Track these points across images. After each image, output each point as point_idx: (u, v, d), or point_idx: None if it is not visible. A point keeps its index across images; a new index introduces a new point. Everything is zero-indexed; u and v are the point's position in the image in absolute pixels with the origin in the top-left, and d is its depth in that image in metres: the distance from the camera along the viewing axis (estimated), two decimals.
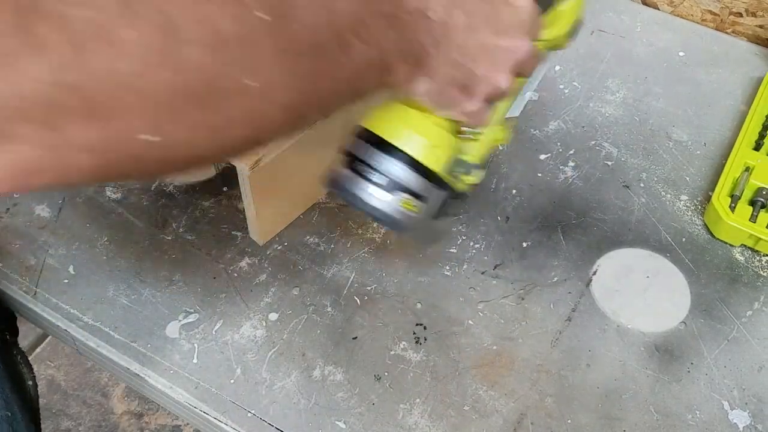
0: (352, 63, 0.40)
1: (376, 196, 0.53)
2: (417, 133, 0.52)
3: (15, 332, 0.81)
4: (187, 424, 1.59)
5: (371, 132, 0.53)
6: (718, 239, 0.79)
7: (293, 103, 0.37)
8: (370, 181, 0.53)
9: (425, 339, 0.71)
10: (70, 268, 0.76)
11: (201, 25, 0.30)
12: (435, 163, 0.53)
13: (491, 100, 0.51)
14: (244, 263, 0.76)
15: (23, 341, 1.71)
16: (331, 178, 0.55)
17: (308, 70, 0.37)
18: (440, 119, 0.53)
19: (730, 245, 0.79)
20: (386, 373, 0.69)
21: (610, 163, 0.87)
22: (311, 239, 0.78)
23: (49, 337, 1.70)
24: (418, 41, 0.44)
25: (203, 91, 0.31)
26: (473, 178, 0.57)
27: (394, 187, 0.52)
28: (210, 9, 0.30)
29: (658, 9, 1.05)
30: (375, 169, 0.52)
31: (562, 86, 0.94)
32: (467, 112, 0.51)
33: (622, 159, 0.87)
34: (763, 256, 0.78)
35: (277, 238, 0.78)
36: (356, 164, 0.53)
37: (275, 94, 0.35)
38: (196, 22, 0.30)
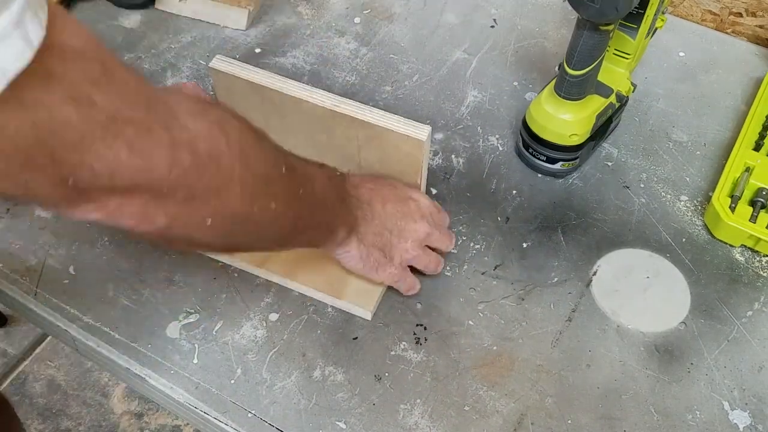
0: (317, 223, 0.61)
1: None
2: None
3: None
4: (187, 424, 1.59)
5: None
6: (718, 239, 0.79)
7: (280, 239, 0.60)
8: None
9: (425, 339, 0.71)
10: (71, 269, 0.76)
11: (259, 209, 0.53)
12: None
13: (404, 264, 0.70)
14: None
15: (23, 341, 1.72)
16: None
17: (293, 228, 0.59)
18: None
19: (730, 245, 0.79)
20: (386, 374, 0.69)
21: (610, 163, 0.87)
22: None
23: (49, 337, 1.71)
24: (353, 215, 0.64)
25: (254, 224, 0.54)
26: None
27: None
28: (263, 202, 0.53)
29: None
30: None
31: None
32: (387, 274, 0.69)
33: (622, 159, 0.87)
34: (763, 256, 0.78)
35: None
36: None
37: (273, 233, 0.58)
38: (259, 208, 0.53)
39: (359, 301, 0.72)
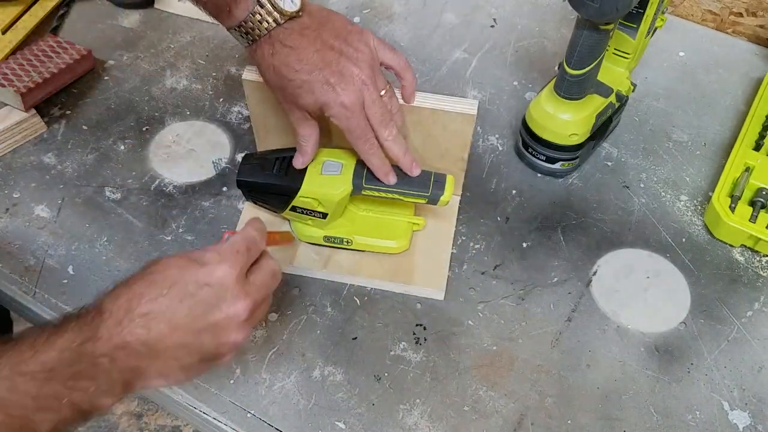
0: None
1: None
2: None
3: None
4: (187, 424, 1.59)
5: None
6: (718, 239, 0.79)
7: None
8: None
9: (425, 339, 0.71)
10: (70, 269, 0.76)
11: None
12: None
13: (237, 350, 0.55)
14: None
15: None
16: None
17: None
18: None
19: (730, 245, 0.79)
20: (386, 374, 0.69)
21: (610, 163, 0.87)
22: None
23: None
24: (126, 369, 0.50)
25: None
26: None
27: None
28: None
29: None
30: None
31: None
32: (224, 361, 0.55)
33: (622, 159, 0.87)
34: (763, 256, 0.78)
35: None
36: None
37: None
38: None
39: (430, 283, 0.74)
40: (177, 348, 0.51)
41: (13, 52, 0.93)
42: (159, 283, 0.52)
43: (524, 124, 0.82)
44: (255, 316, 0.55)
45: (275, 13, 0.61)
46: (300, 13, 0.63)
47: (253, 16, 0.61)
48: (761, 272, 0.77)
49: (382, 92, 0.65)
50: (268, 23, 0.61)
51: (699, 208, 0.82)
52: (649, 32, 0.78)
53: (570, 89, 0.75)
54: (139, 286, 0.52)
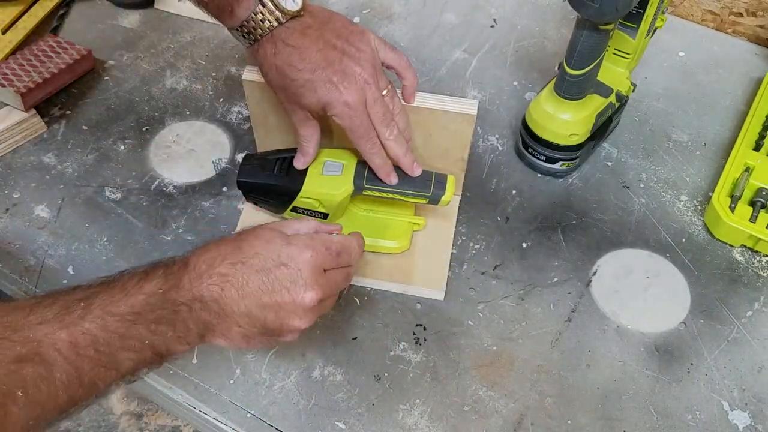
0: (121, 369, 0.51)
1: None
2: None
3: None
4: (187, 424, 1.59)
5: None
6: (718, 239, 0.79)
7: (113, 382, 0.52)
8: None
9: (425, 339, 0.71)
10: (70, 269, 0.76)
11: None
12: None
13: (294, 334, 0.58)
14: None
15: None
16: None
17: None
18: None
19: (730, 245, 0.79)
20: (386, 374, 0.69)
21: (610, 163, 0.87)
22: None
23: None
24: (200, 321, 0.54)
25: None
26: None
27: None
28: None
29: None
30: None
31: None
32: (287, 339, 0.58)
33: (622, 159, 0.87)
34: (763, 256, 0.78)
35: None
36: None
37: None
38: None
39: (430, 284, 0.74)
40: (242, 315, 0.54)
41: (13, 52, 0.93)
42: (244, 250, 0.56)
43: (524, 124, 0.82)
44: (321, 307, 0.58)
45: (277, 12, 0.61)
46: (301, 13, 0.63)
47: (255, 15, 0.61)
48: (761, 272, 0.77)
49: (384, 92, 0.65)
50: (270, 22, 0.61)
51: (699, 208, 0.82)
52: (649, 32, 0.78)
53: (570, 89, 0.75)
54: (226, 247, 0.56)
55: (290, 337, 0.58)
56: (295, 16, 0.62)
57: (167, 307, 0.52)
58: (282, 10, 0.61)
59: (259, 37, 0.63)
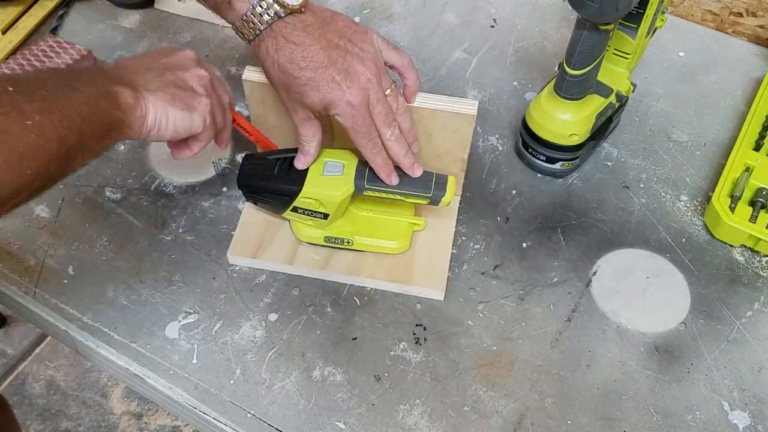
0: (83, 97, 0.52)
1: None
2: None
3: None
4: (187, 424, 1.59)
5: None
6: (718, 240, 0.79)
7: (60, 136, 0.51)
8: None
9: (425, 339, 0.71)
10: (70, 269, 0.76)
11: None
12: None
13: (204, 85, 0.63)
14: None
15: (23, 341, 1.72)
16: None
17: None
18: None
19: (730, 245, 0.79)
20: (386, 374, 0.69)
21: (610, 163, 0.87)
22: None
23: (49, 338, 1.70)
24: (124, 78, 0.57)
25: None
26: None
27: None
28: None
29: None
30: None
31: None
32: (202, 106, 0.62)
33: (622, 159, 0.87)
34: (763, 256, 0.78)
35: None
36: None
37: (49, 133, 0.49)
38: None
39: (430, 284, 0.73)
40: (145, 70, 0.60)
41: (13, 52, 0.93)
42: (139, 57, 0.63)
43: (524, 124, 0.82)
44: (210, 85, 0.63)
45: (276, 5, 0.61)
46: (302, 9, 0.63)
47: (254, 8, 0.62)
48: (761, 272, 0.77)
49: (387, 91, 0.65)
50: (269, 15, 0.62)
51: (699, 208, 0.82)
52: (649, 32, 0.78)
53: (570, 89, 0.75)
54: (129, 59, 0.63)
55: (201, 92, 0.61)
56: (294, 11, 0.62)
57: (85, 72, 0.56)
58: (281, 4, 0.62)
59: (259, 31, 0.63)
